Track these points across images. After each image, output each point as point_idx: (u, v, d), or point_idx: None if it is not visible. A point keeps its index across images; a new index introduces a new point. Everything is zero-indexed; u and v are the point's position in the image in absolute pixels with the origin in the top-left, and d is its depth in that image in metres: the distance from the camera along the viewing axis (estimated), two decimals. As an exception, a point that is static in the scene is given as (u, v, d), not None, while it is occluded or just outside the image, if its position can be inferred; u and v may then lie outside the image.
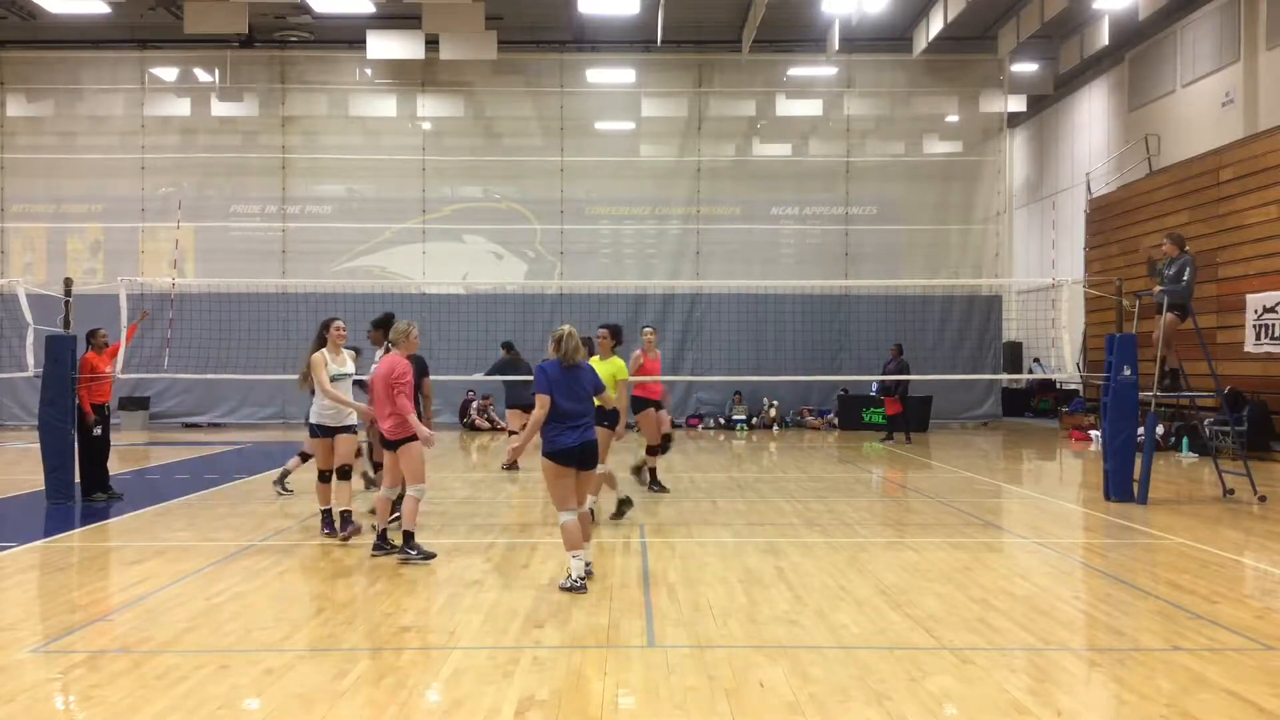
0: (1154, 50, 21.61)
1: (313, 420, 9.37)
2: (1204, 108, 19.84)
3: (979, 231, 24.35)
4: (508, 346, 16.25)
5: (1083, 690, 5.31)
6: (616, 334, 10.32)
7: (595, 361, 9.54)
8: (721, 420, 23.47)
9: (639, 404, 12.05)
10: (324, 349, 9.33)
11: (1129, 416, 11.49)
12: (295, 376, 12.57)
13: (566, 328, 7.48)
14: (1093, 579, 7.94)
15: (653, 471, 12.29)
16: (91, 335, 11.69)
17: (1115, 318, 12.54)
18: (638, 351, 12.11)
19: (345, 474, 9.36)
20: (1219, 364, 14.06)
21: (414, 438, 8.27)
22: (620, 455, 13.37)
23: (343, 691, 5.11)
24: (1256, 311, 16.87)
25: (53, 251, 23.97)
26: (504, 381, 15.84)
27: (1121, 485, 11.43)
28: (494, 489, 12.98)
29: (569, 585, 7.16)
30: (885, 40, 23.61)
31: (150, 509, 10.69)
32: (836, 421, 23.12)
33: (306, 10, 21.32)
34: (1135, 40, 21.99)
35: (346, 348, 11.82)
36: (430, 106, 24.49)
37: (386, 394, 8.28)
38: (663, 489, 12.16)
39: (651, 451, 12.16)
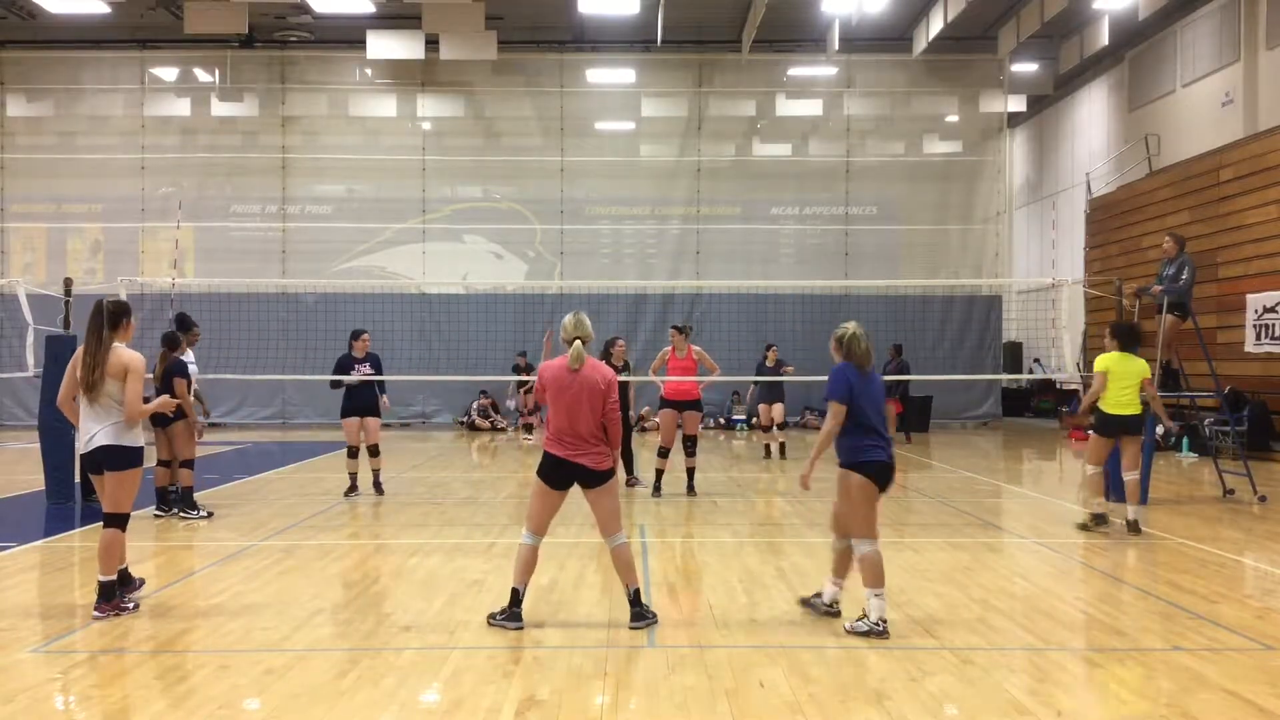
0: (1154, 50, 21.61)
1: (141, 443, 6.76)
2: (1204, 108, 19.84)
3: (979, 231, 24.34)
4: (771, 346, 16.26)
5: (1083, 690, 5.31)
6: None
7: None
8: (721, 420, 23.46)
9: (661, 403, 12.15)
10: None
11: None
12: (295, 377, 12.60)
13: (851, 327, 6.41)
14: (1093, 579, 7.94)
15: (659, 474, 12.21)
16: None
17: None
18: (666, 349, 12.17)
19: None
20: (1219, 364, 14.05)
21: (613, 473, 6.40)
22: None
23: (343, 691, 5.11)
24: (1256, 311, 16.86)
25: (53, 251, 23.97)
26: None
27: (1122, 485, 11.39)
28: (494, 489, 12.98)
29: (866, 629, 6.05)
30: (885, 40, 23.60)
31: (150, 509, 10.67)
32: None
33: (306, 10, 21.31)
34: (1135, 40, 21.99)
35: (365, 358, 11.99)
36: (430, 106, 24.49)
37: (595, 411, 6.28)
38: (659, 491, 12.10)
39: (661, 454, 12.13)
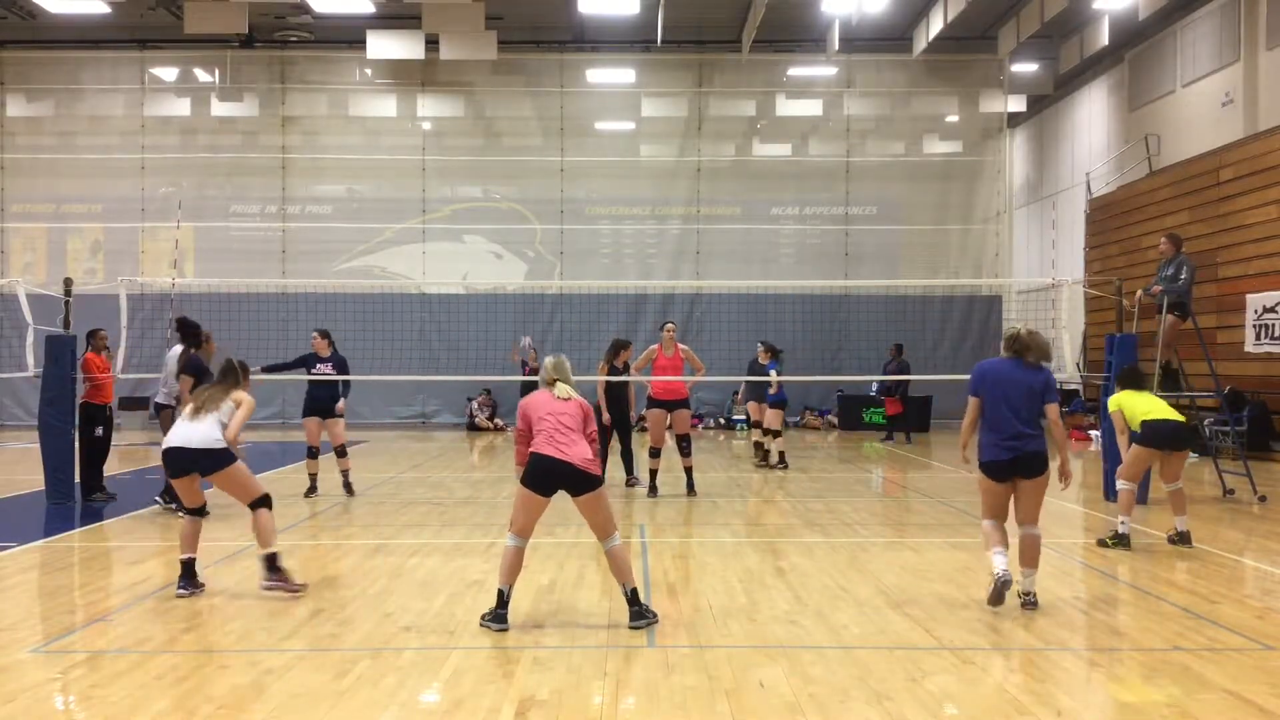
0: (1154, 50, 21.61)
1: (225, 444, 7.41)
2: (1204, 108, 19.84)
3: (979, 231, 24.35)
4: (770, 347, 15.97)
5: (1083, 690, 5.31)
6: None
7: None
8: (721, 420, 23.47)
9: (649, 403, 12.12)
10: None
11: (1129, 417, 11.45)
12: (294, 376, 12.59)
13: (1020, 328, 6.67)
14: (1093, 579, 7.94)
15: (653, 474, 12.23)
16: (91, 335, 11.69)
17: (1115, 318, 12.54)
18: (653, 347, 12.15)
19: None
20: (1219, 364, 14.05)
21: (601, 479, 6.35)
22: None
23: (343, 691, 5.11)
24: (1256, 311, 16.87)
25: (53, 251, 23.97)
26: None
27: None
28: (494, 489, 12.98)
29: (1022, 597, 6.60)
30: (885, 40, 23.60)
31: (150, 509, 10.68)
32: (836, 421, 23.13)
33: (306, 10, 21.31)
34: (1135, 40, 21.98)
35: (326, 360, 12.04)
36: (430, 106, 24.49)
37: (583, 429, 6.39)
38: (655, 491, 12.09)
39: (653, 454, 12.14)
